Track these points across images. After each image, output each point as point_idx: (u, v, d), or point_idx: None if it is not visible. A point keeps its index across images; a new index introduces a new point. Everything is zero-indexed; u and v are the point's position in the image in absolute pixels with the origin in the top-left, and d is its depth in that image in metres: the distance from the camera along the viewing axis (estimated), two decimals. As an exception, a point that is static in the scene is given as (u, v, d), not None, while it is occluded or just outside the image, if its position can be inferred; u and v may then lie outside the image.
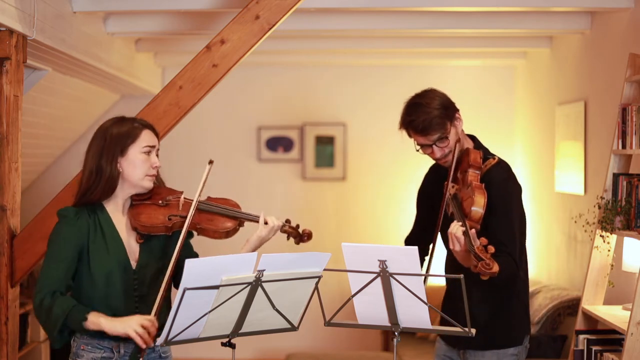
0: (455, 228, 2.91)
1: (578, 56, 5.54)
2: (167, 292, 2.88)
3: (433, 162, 3.39)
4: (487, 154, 3.19)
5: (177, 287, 2.88)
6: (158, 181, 2.97)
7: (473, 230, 2.88)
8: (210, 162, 2.93)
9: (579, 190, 5.39)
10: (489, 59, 6.81)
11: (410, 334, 6.09)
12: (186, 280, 2.49)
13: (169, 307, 2.85)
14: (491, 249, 2.81)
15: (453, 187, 3.09)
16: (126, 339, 2.77)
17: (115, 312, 2.77)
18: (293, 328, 2.78)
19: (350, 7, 4.67)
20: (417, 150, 3.21)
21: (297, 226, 3.11)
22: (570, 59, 5.69)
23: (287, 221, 3.07)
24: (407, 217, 7.06)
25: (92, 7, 4.63)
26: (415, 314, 2.73)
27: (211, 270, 2.52)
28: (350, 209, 7.15)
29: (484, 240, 2.83)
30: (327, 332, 6.80)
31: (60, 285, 2.74)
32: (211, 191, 7.80)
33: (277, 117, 7.20)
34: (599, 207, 4.20)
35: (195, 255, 3.01)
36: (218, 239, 2.97)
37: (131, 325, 2.67)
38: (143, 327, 2.67)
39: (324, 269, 2.72)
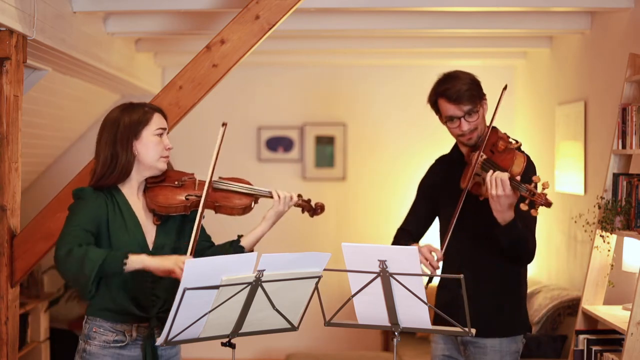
0: (498, 172, 2.93)
1: (578, 56, 5.54)
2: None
3: (434, 159, 3.41)
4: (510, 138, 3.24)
5: None
6: (168, 165, 3.04)
7: (534, 179, 2.91)
8: (224, 124, 3.03)
9: (579, 190, 5.39)
10: (489, 59, 6.81)
11: (410, 334, 6.09)
12: (186, 280, 2.49)
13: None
14: (547, 184, 2.85)
15: (482, 156, 3.10)
16: (140, 322, 2.84)
17: (131, 293, 2.83)
18: (293, 328, 2.78)
19: (350, 7, 4.67)
20: (444, 123, 3.22)
21: (309, 200, 3.21)
22: (570, 59, 5.69)
23: (299, 196, 3.16)
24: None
25: (92, 7, 4.63)
26: (415, 314, 2.74)
27: (211, 270, 2.52)
28: (350, 209, 7.15)
29: (537, 178, 2.87)
30: (327, 332, 6.80)
31: (84, 242, 2.72)
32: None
33: (277, 117, 7.20)
34: (599, 207, 4.20)
35: (209, 237, 3.10)
36: (236, 215, 3.05)
37: (176, 263, 2.70)
38: (184, 263, 2.69)
39: (324, 269, 2.72)
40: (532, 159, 3.21)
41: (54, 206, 3.90)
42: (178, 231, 2.97)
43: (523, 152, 3.19)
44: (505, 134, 3.18)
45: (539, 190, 2.88)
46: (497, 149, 3.11)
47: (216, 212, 3.05)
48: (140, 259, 2.71)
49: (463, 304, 3.00)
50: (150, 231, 2.92)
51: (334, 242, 6.86)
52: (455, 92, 3.13)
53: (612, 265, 4.23)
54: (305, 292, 2.73)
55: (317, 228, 7.11)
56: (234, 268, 2.55)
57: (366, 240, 6.79)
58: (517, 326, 3.24)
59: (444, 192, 3.25)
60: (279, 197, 3.06)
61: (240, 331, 2.70)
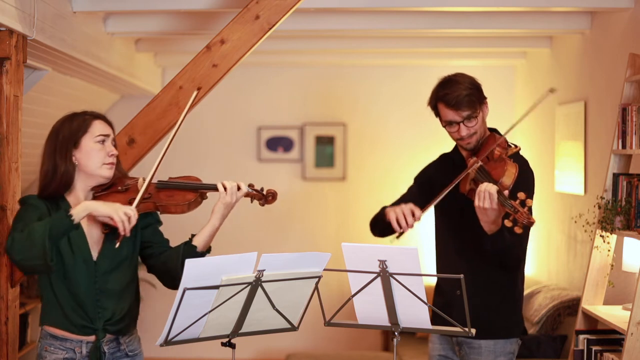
0: (488, 185, 2.94)
1: (578, 56, 5.54)
2: (136, 275, 2.93)
3: (435, 160, 3.41)
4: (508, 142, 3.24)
5: (153, 273, 2.98)
6: (120, 172, 2.97)
7: (518, 197, 2.90)
8: (199, 88, 3.01)
9: (579, 190, 5.39)
10: (489, 59, 6.80)
11: (410, 334, 6.09)
12: (186, 280, 2.49)
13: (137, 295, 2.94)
14: (529, 202, 2.85)
15: (477, 162, 3.11)
16: (88, 335, 2.80)
17: (77, 302, 2.80)
18: (293, 328, 2.78)
19: (350, 7, 4.67)
20: (444, 127, 3.22)
21: (261, 189, 3.06)
22: (570, 59, 5.68)
23: (250, 185, 3.02)
24: (407, 217, 7.06)
25: (92, 7, 4.63)
26: (415, 314, 2.74)
27: (211, 270, 2.52)
28: (350, 209, 7.15)
29: (522, 194, 2.86)
30: (327, 332, 6.80)
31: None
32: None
33: (277, 117, 7.20)
34: (599, 207, 4.20)
35: (166, 241, 3.03)
36: (181, 213, 2.95)
37: (115, 209, 2.72)
38: (125, 214, 2.73)
39: (324, 269, 2.72)
40: (532, 159, 3.21)
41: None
42: (126, 238, 2.87)
43: (520, 158, 3.18)
44: (504, 139, 3.17)
45: (524, 207, 2.86)
46: (493, 156, 3.12)
47: (161, 213, 2.97)
48: (84, 206, 2.71)
49: (457, 305, 3.02)
50: (96, 240, 2.87)
51: (334, 242, 6.86)
52: (454, 98, 3.13)
53: (612, 265, 4.23)
54: (305, 292, 2.73)
55: (317, 228, 7.11)
56: (234, 268, 2.55)
57: (366, 240, 6.76)
58: (512, 328, 3.24)
59: (438, 188, 3.24)
60: (225, 188, 2.94)
61: (240, 331, 2.70)
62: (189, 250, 2.90)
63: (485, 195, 2.92)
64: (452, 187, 3.12)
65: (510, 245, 3.03)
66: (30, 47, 4.11)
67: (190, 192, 2.95)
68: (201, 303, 2.55)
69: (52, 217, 2.70)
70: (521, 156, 3.23)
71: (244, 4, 4.12)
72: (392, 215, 3.14)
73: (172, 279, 2.90)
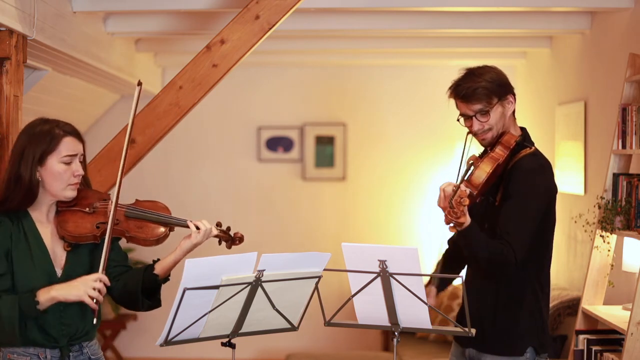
0: (447, 184, 2.86)
1: (578, 56, 5.54)
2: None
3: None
4: (526, 142, 3.06)
5: (111, 295, 2.84)
6: (85, 184, 2.85)
7: (465, 191, 2.78)
8: (139, 83, 2.87)
9: (579, 190, 5.39)
10: (489, 59, 6.76)
11: (410, 334, 6.09)
12: (186, 280, 2.49)
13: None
14: (466, 201, 2.73)
15: (471, 158, 2.98)
16: (53, 345, 2.72)
17: (42, 321, 2.69)
18: (293, 328, 2.78)
19: (350, 7, 4.67)
20: (457, 121, 3.07)
21: (228, 229, 2.96)
22: (570, 59, 5.68)
23: (218, 224, 2.91)
24: (407, 216, 7.07)
25: (92, 7, 4.63)
26: (415, 314, 2.73)
27: (211, 270, 2.52)
28: (350, 209, 7.15)
29: (463, 192, 2.74)
30: (327, 332, 6.79)
31: None
32: (211, 191, 7.82)
33: (277, 117, 7.20)
34: (599, 207, 4.20)
35: (125, 258, 2.91)
36: (149, 246, 2.85)
37: (85, 291, 2.60)
38: (95, 289, 2.61)
39: (324, 269, 2.72)
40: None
41: (54, 206, 3.90)
42: (91, 256, 2.79)
43: (531, 160, 3.00)
44: (512, 137, 3.01)
45: (462, 206, 2.75)
46: (489, 153, 2.99)
47: (127, 242, 2.87)
48: (49, 295, 2.61)
49: (484, 320, 2.96)
50: (60, 258, 2.75)
51: (334, 242, 6.85)
52: (465, 90, 2.97)
53: (612, 265, 4.23)
54: (305, 292, 2.73)
55: (317, 228, 7.11)
56: (234, 268, 2.55)
57: (366, 240, 6.79)
58: (512, 345, 3.00)
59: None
60: (197, 228, 2.82)
61: (240, 331, 2.70)
62: (150, 278, 2.79)
63: (440, 193, 2.86)
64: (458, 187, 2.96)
65: (483, 248, 2.85)
66: (30, 47, 4.11)
67: (161, 225, 2.84)
68: (201, 303, 2.55)
69: (20, 302, 2.58)
70: (534, 157, 3.03)
71: (244, 4, 4.12)
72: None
73: (131, 302, 2.80)
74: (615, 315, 4.05)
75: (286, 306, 2.72)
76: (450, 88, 3.05)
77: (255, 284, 2.59)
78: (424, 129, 6.92)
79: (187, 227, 2.83)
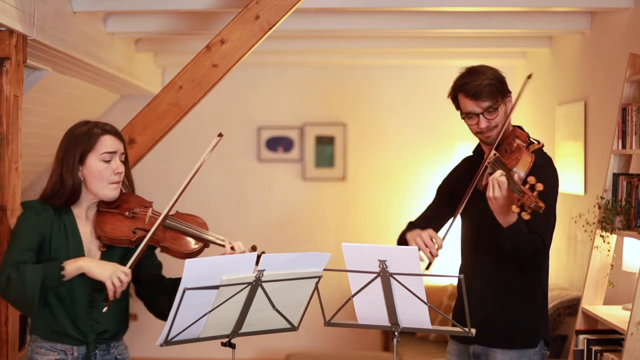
0: (498, 174, 2.81)
1: (578, 56, 5.54)
2: (128, 289, 2.85)
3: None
4: (531, 139, 3.09)
5: (139, 296, 2.91)
6: (128, 188, 2.91)
7: (528, 180, 2.75)
8: (220, 135, 2.99)
9: (579, 190, 5.39)
10: (489, 59, 6.77)
11: (410, 334, 6.09)
12: (186, 280, 2.49)
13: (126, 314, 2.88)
14: (539, 186, 2.68)
15: (495, 154, 2.97)
16: (79, 345, 2.78)
17: (70, 314, 2.76)
18: (293, 328, 2.78)
19: (350, 7, 4.67)
20: (463, 119, 3.07)
21: (263, 253, 2.93)
22: (570, 59, 5.69)
23: (253, 248, 2.92)
24: (407, 216, 7.05)
25: (92, 7, 4.63)
26: (415, 314, 2.73)
27: (211, 270, 2.52)
28: (350, 209, 7.15)
29: (532, 178, 2.70)
30: (327, 332, 6.80)
31: (22, 264, 2.68)
32: (210, 190, 7.81)
33: (277, 117, 7.20)
34: (599, 207, 4.20)
35: (159, 266, 2.97)
36: (179, 259, 2.86)
37: (111, 276, 2.67)
38: (119, 279, 2.68)
39: (324, 269, 2.72)
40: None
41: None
42: (123, 260, 2.83)
43: (543, 155, 3.05)
44: (525, 133, 3.05)
45: (534, 192, 2.71)
46: (511, 148, 2.99)
47: (161, 252, 2.90)
48: (77, 265, 2.67)
49: (493, 322, 2.97)
50: (94, 256, 2.82)
51: (334, 242, 6.86)
52: (474, 87, 2.98)
53: (612, 265, 4.23)
54: (305, 292, 2.73)
55: (317, 228, 7.11)
56: (234, 268, 2.55)
57: (366, 240, 6.79)
58: (530, 338, 3.05)
59: (462, 188, 3.07)
60: (232, 248, 2.85)
61: (240, 331, 2.70)
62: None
63: (495, 184, 2.79)
64: (473, 186, 2.98)
65: (527, 241, 2.87)
66: (30, 47, 4.11)
67: (197, 240, 2.88)
68: (201, 303, 2.55)
69: (45, 268, 2.65)
70: (544, 153, 3.09)
71: (244, 4, 4.12)
72: (420, 245, 2.97)
73: (159, 312, 2.88)
74: (615, 315, 4.05)
75: (286, 306, 2.72)
76: (455, 86, 3.05)
77: (255, 284, 2.59)
78: (424, 129, 6.92)
79: (223, 246, 2.87)
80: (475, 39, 6.04)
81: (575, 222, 5.32)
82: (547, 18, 5.28)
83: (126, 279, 2.70)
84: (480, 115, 3.01)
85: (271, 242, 6.96)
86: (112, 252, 2.85)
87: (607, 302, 4.33)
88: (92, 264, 2.70)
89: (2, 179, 3.84)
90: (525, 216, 2.70)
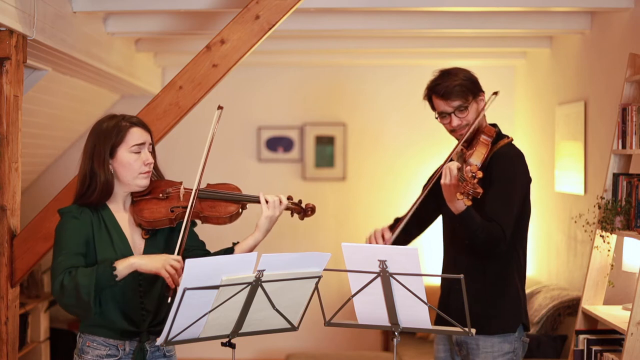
0: (452, 163, 3.00)
1: (578, 56, 5.54)
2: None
3: (441, 163, 3.39)
4: (502, 135, 3.27)
5: None
6: (157, 175, 2.98)
7: (476, 165, 2.95)
8: (220, 107, 3.05)
9: (579, 190, 5.39)
10: (489, 59, 6.80)
11: (410, 334, 6.09)
12: (186, 280, 2.49)
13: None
14: (479, 174, 2.84)
15: (461, 149, 3.19)
16: (131, 337, 2.81)
17: (122, 309, 2.79)
18: (293, 328, 2.78)
19: (350, 7, 4.67)
20: (436, 118, 3.27)
21: (300, 202, 3.11)
22: (570, 59, 5.69)
23: (289, 198, 3.06)
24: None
25: (92, 7, 4.63)
26: (415, 314, 2.74)
27: (211, 270, 2.52)
28: (350, 209, 7.15)
29: (474, 167, 2.86)
30: (327, 332, 6.80)
31: (73, 268, 2.69)
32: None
33: (277, 117, 7.20)
34: (599, 207, 4.20)
35: (202, 244, 3.02)
36: (222, 224, 2.98)
37: (163, 265, 2.69)
38: (173, 267, 2.69)
39: (324, 269, 2.72)
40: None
41: (54, 206, 3.90)
42: (167, 243, 2.90)
43: (510, 148, 3.19)
44: (492, 128, 3.22)
45: (475, 179, 2.86)
46: (477, 142, 3.17)
47: (203, 223, 2.98)
48: (128, 263, 2.69)
49: (453, 302, 3.04)
50: (138, 245, 2.86)
51: (334, 242, 6.86)
52: (444, 88, 3.18)
53: (612, 265, 4.23)
54: (305, 292, 2.73)
55: (317, 228, 7.11)
56: (234, 268, 2.55)
57: (366, 241, 6.78)
58: (508, 324, 3.18)
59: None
60: (267, 202, 2.98)
61: (240, 331, 2.70)
62: None
63: (446, 171, 2.97)
64: (437, 176, 3.13)
65: (479, 229, 3.01)
66: (30, 47, 4.11)
67: (232, 203, 2.97)
68: (201, 303, 2.55)
69: (97, 270, 2.66)
70: (513, 146, 3.24)
71: (244, 4, 4.12)
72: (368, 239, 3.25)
73: None
74: (615, 315, 4.05)
75: (286, 306, 2.72)
76: (427, 88, 3.26)
77: (255, 284, 2.59)
78: (424, 129, 6.92)
79: (258, 202, 2.97)
80: (475, 39, 6.04)
81: (575, 222, 5.32)
82: (547, 18, 5.28)
83: (179, 265, 2.70)
84: (452, 114, 3.21)
85: (271, 242, 6.94)
86: (156, 237, 2.88)
87: (607, 302, 4.33)
88: (142, 260, 2.71)
89: (2, 179, 3.84)
90: (467, 202, 2.86)
